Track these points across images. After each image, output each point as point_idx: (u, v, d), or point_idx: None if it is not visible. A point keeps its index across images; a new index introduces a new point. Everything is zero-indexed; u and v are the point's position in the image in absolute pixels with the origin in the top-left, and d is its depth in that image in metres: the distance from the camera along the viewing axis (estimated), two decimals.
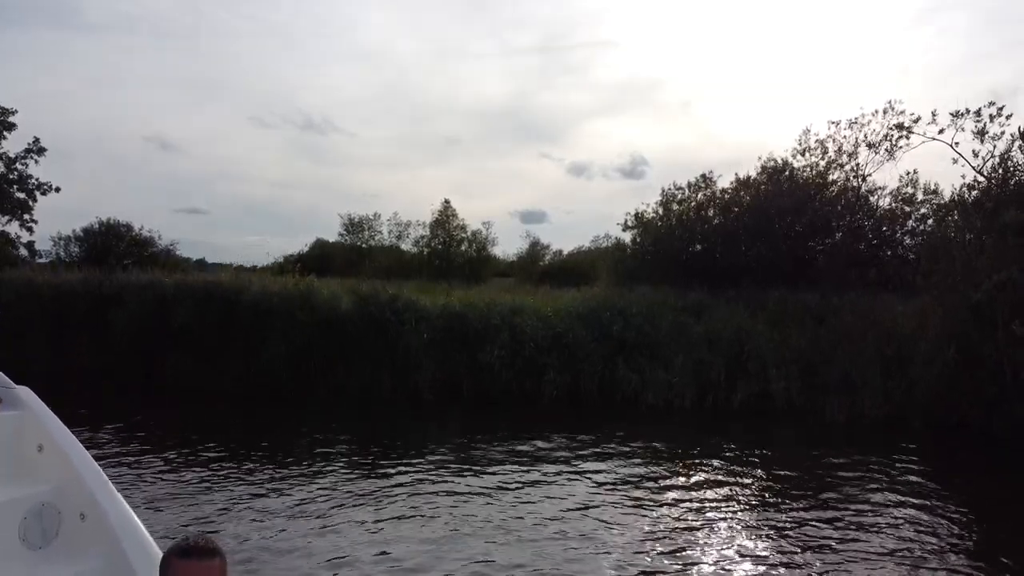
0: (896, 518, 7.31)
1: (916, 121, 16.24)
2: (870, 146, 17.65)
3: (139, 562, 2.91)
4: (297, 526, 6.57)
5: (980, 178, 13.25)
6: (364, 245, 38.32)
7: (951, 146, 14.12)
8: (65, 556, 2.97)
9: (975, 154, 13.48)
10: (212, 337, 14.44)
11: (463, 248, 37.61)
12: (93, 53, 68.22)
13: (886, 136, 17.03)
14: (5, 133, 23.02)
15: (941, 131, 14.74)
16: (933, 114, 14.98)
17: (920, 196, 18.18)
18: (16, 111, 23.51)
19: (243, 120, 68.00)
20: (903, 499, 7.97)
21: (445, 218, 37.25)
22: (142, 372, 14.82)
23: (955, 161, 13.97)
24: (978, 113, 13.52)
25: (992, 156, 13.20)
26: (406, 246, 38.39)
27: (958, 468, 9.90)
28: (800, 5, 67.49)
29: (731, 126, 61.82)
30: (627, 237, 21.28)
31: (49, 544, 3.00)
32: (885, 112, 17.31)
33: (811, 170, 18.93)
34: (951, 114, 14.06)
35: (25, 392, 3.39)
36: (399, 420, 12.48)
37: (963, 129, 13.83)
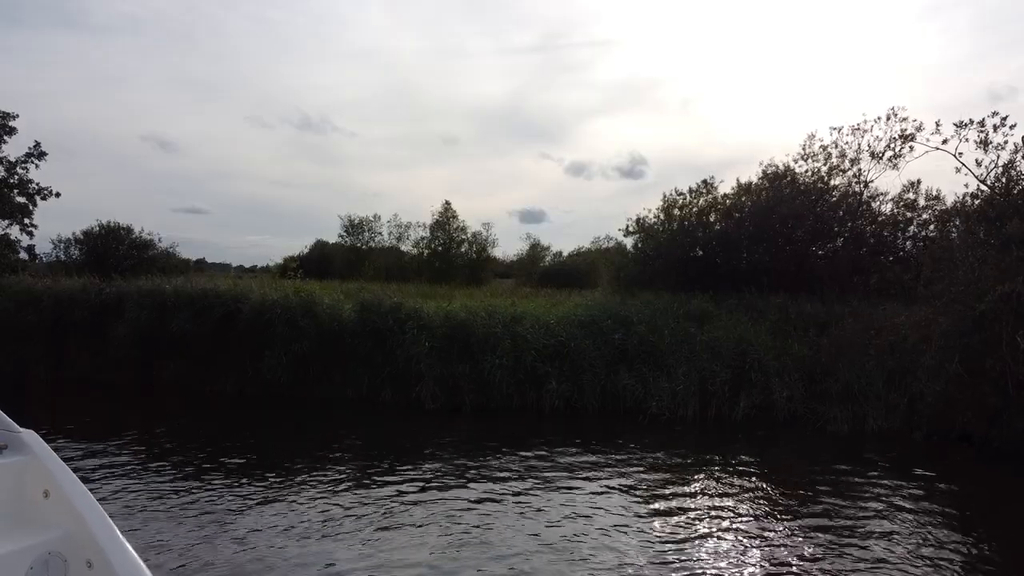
0: (897, 530, 7.30)
1: (919, 129, 16.24)
2: (873, 155, 17.65)
3: None
4: (294, 536, 6.56)
5: (983, 188, 13.23)
6: (364, 246, 38.30)
7: (955, 155, 14.12)
8: None
9: (978, 163, 13.47)
10: (212, 345, 14.43)
11: (463, 250, 37.60)
12: (91, 53, 68.12)
13: (889, 146, 17.03)
14: (6, 137, 22.95)
15: (945, 141, 14.76)
16: (937, 124, 15.05)
17: (922, 202, 18.20)
18: (17, 115, 23.46)
19: (241, 120, 68.04)
20: (904, 511, 7.96)
21: (446, 219, 37.26)
22: (141, 380, 14.82)
23: (958, 171, 13.96)
24: (982, 123, 13.50)
25: (995, 166, 13.19)
26: (406, 247, 38.38)
27: (960, 481, 9.86)
28: (800, 5, 67.41)
29: (731, 125, 61.90)
30: (628, 242, 21.32)
31: None
32: (888, 119, 17.32)
33: (813, 176, 18.92)
34: (955, 124, 14.06)
35: (30, 436, 3.34)
36: (400, 429, 12.42)
37: (967, 140, 13.82)
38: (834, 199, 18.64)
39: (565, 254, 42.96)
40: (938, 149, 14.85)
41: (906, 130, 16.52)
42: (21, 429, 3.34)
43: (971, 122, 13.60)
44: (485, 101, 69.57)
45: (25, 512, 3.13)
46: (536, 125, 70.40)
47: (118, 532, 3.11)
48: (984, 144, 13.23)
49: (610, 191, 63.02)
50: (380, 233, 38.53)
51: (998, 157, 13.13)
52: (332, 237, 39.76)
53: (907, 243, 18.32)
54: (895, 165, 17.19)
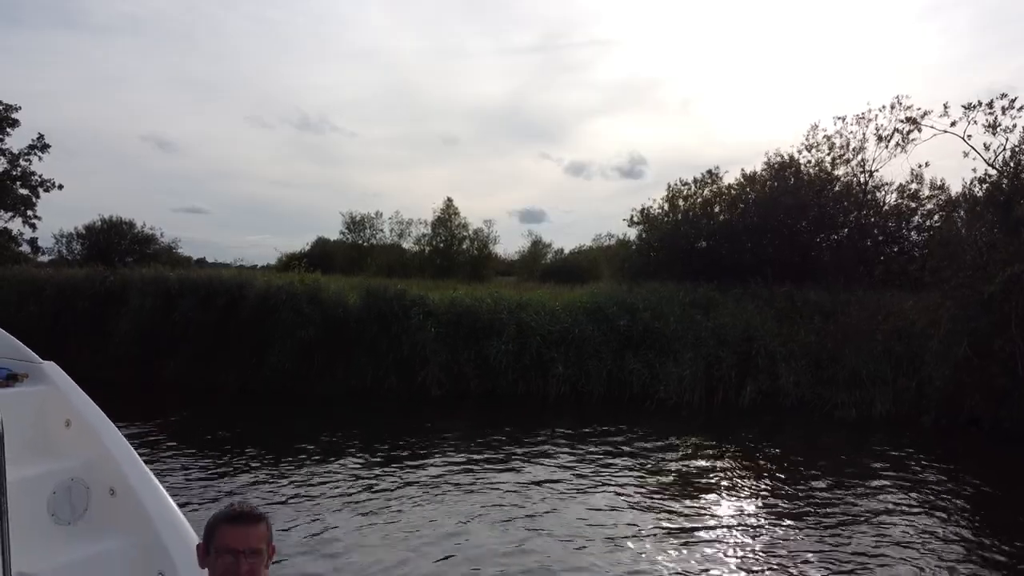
0: (906, 514, 7.22)
1: (925, 115, 16.20)
2: (880, 139, 17.59)
3: (171, 539, 2.84)
4: (300, 522, 6.45)
5: (992, 172, 13.20)
6: (365, 243, 38.22)
7: (963, 139, 14.05)
8: (95, 532, 2.90)
9: (986, 147, 13.44)
10: (216, 333, 14.32)
11: (465, 247, 37.53)
12: (91, 53, 68.20)
13: (897, 129, 16.99)
14: (8, 129, 22.91)
15: (953, 123, 14.69)
16: (945, 106, 14.93)
17: (926, 192, 18.18)
18: (19, 107, 23.43)
19: (241, 120, 68.05)
20: (913, 495, 7.89)
21: (447, 216, 37.19)
22: (142, 378, 14.59)
23: (966, 155, 13.91)
24: (990, 105, 13.46)
25: (1004, 149, 13.16)
26: (407, 244, 38.28)
27: (969, 464, 9.79)
28: (801, 5, 67.57)
29: (731, 125, 61.93)
30: (632, 233, 21.27)
31: (79, 519, 2.93)
32: (892, 107, 17.31)
33: (817, 166, 18.90)
34: (963, 106, 14.02)
35: (51, 367, 3.32)
36: (406, 416, 12.34)
37: (975, 122, 13.77)
38: (838, 189, 18.62)
39: (567, 252, 42.93)
40: (946, 132, 14.80)
41: (912, 116, 16.47)
42: (42, 360, 3.32)
43: (979, 104, 13.57)
44: (485, 101, 69.69)
45: (47, 440, 3.10)
46: (536, 125, 70.51)
47: (140, 461, 3.08)
48: (993, 127, 13.20)
49: (610, 191, 63.06)
50: (381, 230, 38.44)
51: (1007, 140, 13.11)
52: (333, 236, 39.68)
53: (912, 233, 18.29)
54: (903, 148, 17.12)
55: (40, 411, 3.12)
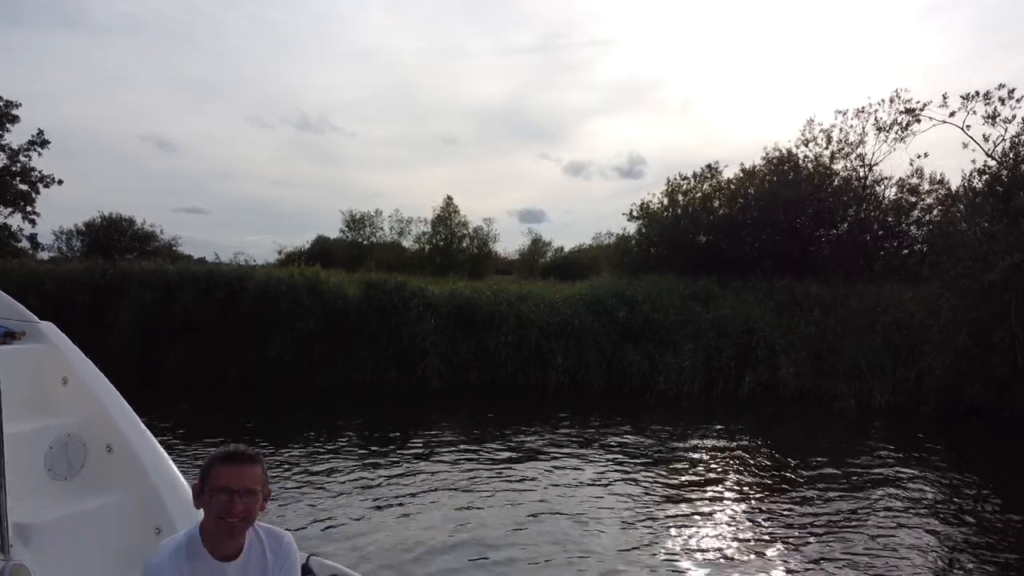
0: (905, 503, 7.19)
1: (924, 107, 16.17)
2: (880, 129, 17.56)
3: (168, 495, 2.84)
4: (297, 513, 6.39)
5: (991, 162, 13.19)
6: (365, 242, 38.18)
7: (962, 129, 14.03)
8: (92, 487, 2.90)
9: (986, 138, 13.42)
10: (217, 325, 14.29)
11: (464, 245, 37.51)
12: (91, 53, 68.20)
13: (896, 120, 16.96)
14: (8, 125, 22.90)
15: (952, 114, 14.67)
16: (944, 97, 14.92)
17: (925, 186, 18.17)
18: (20, 104, 23.40)
19: (241, 120, 67.84)
20: (913, 484, 7.88)
21: (447, 214, 37.17)
22: (146, 360, 14.61)
23: (965, 146, 13.91)
24: (987, 95, 13.45)
25: (1003, 140, 13.14)
26: (407, 243, 38.23)
27: (969, 453, 9.80)
28: (801, 6, 67.59)
29: (731, 125, 61.71)
30: (632, 227, 21.23)
31: (75, 475, 2.93)
32: (892, 101, 17.30)
33: (816, 160, 18.88)
34: (962, 97, 13.99)
35: (48, 327, 3.32)
36: (406, 408, 12.33)
37: (974, 112, 13.76)
38: (837, 184, 18.60)
39: (566, 250, 42.88)
40: (945, 123, 14.77)
41: (911, 108, 16.44)
42: (39, 320, 3.32)
43: (977, 94, 13.57)
44: (485, 101, 69.55)
45: (44, 397, 3.10)
46: (536, 125, 70.34)
47: (138, 419, 3.08)
48: (992, 118, 13.18)
49: (609, 191, 62.88)
50: (381, 228, 38.38)
51: (1006, 130, 13.09)
52: (333, 234, 39.61)
53: (912, 228, 18.29)
54: (902, 138, 17.10)
55: (37, 369, 3.12)
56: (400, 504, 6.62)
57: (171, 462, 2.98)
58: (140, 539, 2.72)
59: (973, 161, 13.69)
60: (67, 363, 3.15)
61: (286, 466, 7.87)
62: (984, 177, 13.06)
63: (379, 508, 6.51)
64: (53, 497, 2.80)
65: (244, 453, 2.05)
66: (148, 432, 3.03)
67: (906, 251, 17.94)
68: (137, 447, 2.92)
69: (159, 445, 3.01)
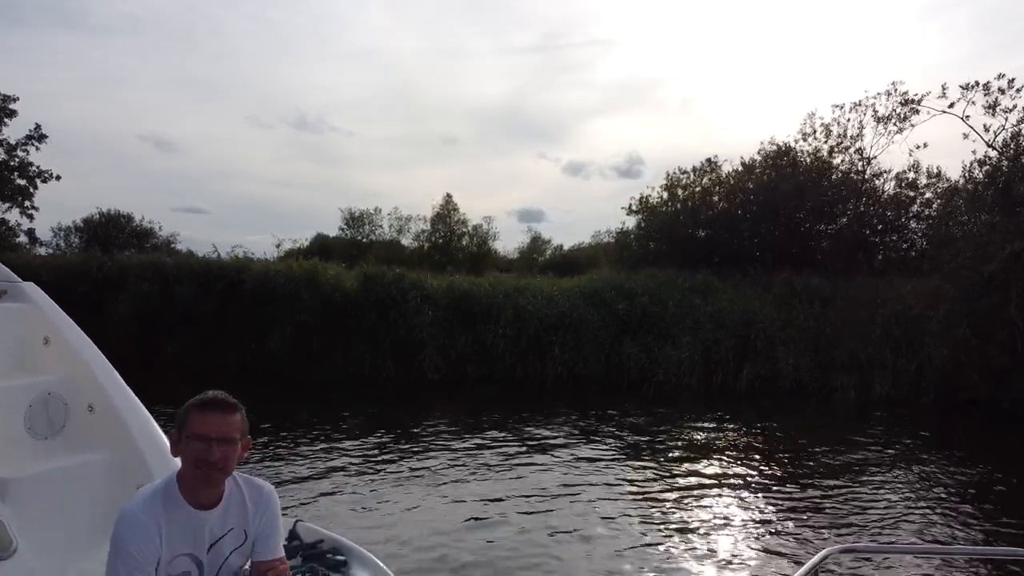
0: (905, 493, 7.13)
1: (923, 98, 16.10)
2: (879, 120, 17.49)
3: (150, 454, 2.80)
4: (293, 502, 6.26)
5: (992, 153, 13.13)
6: (364, 239, 38.13)
7: (962, 119, 13.97)
8: (73, 447, 2.85)
9: (986, 128, 13.36)
10: (214, 318, 14.23)
11: (464, 243, 37.45)
12: (91, 53, 68.14)
13: (895, 111, 16.91)
14: (6, 120, 22.85)
15: (951, 104, 14.62)
16: (943, 87, 14.86)
17: (924, 181, 18.11)
18: (17, 98, 23.33)
19: (241, 120, 67.74)
20: (912, 474, 7.83)
21: (446, 212, 37.12)
22: (143, 353, 14.52)
23: (966, 136, 13.84)
24: (987, 86, 13.40)
25: (1004, 130, 13.08)
26: (407, 241, 38.16)
27: (968, 443, 9.73)
28: (801, 6, 67.55)
29: (731, 125, 61.61)
30: (631, 222, 21.17)
31: (56, 434, 2.88)
32: (889, 94, 17.25)
33: (814, 155, 18.84)
34: (961, 87, 13.94)
35: (30, 287, 3.27)
36: (404, 400, 12.25)
37: (973, 103, 13.70)
38: (836, 178, 18.55)
39: (566, 248, 42.84)
40: (944, 112, 14.71)
41: (909, 98, 16.38)
42: (21, 280, 3.28)
43: (977, 84, 13.51)
44: (485, 101, 69.44)
45: (25, 356, 3.05)
46: (536, 125, 70.23)
47: (119, 378, 3.03)
48: (992, 108, 13.13)
49: (608, 191, 62.74)
50: (380, 226, 38.32)
51: (1006, 120, 13.03)
52: (332, 232, 39.55)
53: (911, 222, 18.23)
54: (900, 130, 17.03)
55: (18, 328, 3.07)
56: (396, 495, 6.56)
57: (154, 422, 2.93)
58: (121, 497, 2.67)
59: (973, 152, 13.64)
60: (49, 322, 3.10)
61: (283, 456, 7.81)
62: (985, 168, 13.00)
63: (376, 499, 6.45)
64: (33, 455, 2.75)
65: (222, 400, 1.99)
66: (131, 392, 2.98)
67: (906, 245, 17.86)
68: (120, 407, 2.87)
69: (142, 405, 2.96)
